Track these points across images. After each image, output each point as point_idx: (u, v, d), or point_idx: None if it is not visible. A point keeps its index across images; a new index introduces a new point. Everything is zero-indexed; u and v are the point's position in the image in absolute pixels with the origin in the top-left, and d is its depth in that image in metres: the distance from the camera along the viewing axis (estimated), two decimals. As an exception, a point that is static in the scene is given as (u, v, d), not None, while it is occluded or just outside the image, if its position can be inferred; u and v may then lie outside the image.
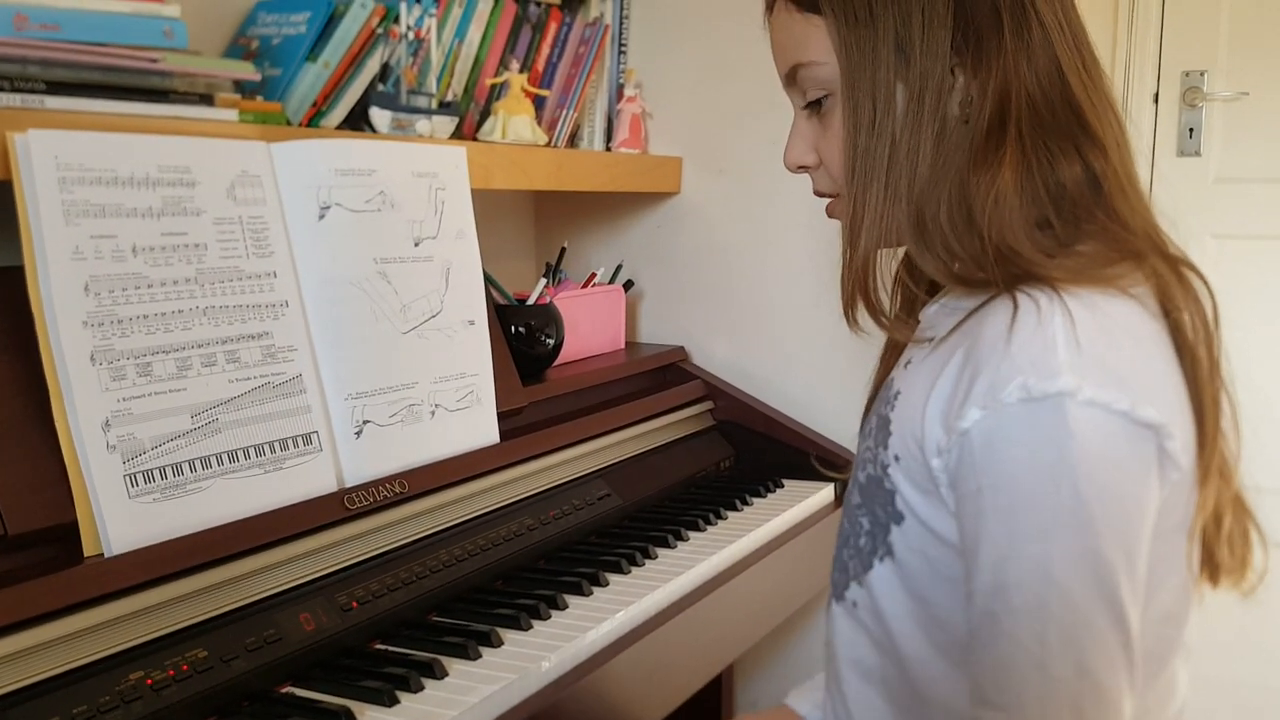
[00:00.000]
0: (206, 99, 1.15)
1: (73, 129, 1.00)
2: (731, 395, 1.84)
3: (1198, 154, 1.84)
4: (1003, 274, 0.78)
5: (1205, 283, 0.82)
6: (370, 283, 1.22)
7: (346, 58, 1.41)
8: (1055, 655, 0.71)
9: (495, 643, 1.09)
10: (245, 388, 1.09)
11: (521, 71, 1.70)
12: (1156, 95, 1.86)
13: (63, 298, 0.96)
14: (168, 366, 1.03)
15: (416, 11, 1.51)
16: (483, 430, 1.34)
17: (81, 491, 0.96)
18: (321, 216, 1.19)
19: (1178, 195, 1.85)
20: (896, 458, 0.83)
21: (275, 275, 1.14)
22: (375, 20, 1.44)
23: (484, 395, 1.34)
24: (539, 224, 2.10)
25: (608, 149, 1.92)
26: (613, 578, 1.28)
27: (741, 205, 1.90)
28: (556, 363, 1.65)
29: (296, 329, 1.15)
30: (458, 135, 1.56)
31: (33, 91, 1.01)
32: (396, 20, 1.48)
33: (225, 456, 1.06)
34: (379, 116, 1.44)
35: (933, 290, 0.91)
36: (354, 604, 1.09)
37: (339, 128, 1.43)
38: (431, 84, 1.54)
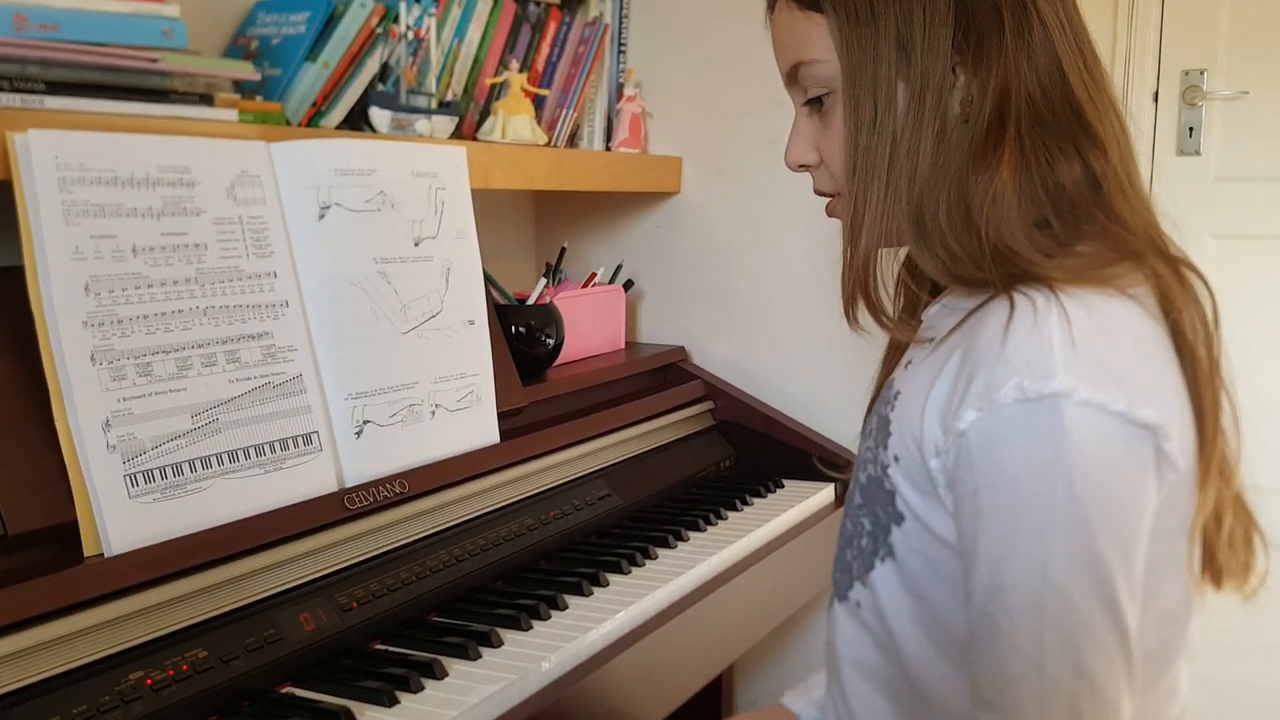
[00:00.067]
0: (206, 99, 1.15)
1: (73, 129, 0.99)
2: (731, 395, 1.84)
3: (1197, 153, 1.84)
4: (1001, 274, 0.78)
5: (1205, 283, 0.82)
6: (370, 283, 1.22)
7: (346, 57, 1.41)
8: (1053, 656, 0.71)
9: (495, 643, 1.09)
10: (245, 388, 1.09)
11: (521, 71, 1.70)
12: (1156, 94, 1.86)
13: (63, 298, 0.96)
14: (168, 366, 1.03)
15: (416, 11, 1.51)
16: (483, 430, 1.34)
17: (81, 491, 0.96)
18: (321, 216, 1.19)
19: (1177, 195, 1.84)
20: (896, 458, 0.83)
21: (275, 275, 1.14)
22: (375, 20, 1.44)
23: (484, 395, 1.34)
24: (539, 224, 2.10)
25: (607, 149, 1.92)
26: (613, 578, 1.28)
27: (741, 205, 1.90)
28: (556, 363, 1.65)
29: (296, 329, 1.15)
30: (457, 135, 1.56)
31: (32, 91, 1.01)
32: (396, 20, 1.48)
33: (225, 456, 1.06)
34: (379, 116, 1.44)
35: (935, 291, 0.91)
36: (354, 604, 1.09)
37: (339, 128, 1.43)
38: (431, 84, 1.54)
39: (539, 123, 1.71)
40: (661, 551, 1.38)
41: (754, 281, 1.90)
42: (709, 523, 1.50)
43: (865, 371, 1.00)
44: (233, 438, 1.06)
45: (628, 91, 1.90)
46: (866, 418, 0.93)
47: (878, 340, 0.95)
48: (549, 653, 1.07)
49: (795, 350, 1.87)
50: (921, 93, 0.81)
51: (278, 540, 1.07)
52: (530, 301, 1.61)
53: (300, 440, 1.13)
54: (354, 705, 0.96)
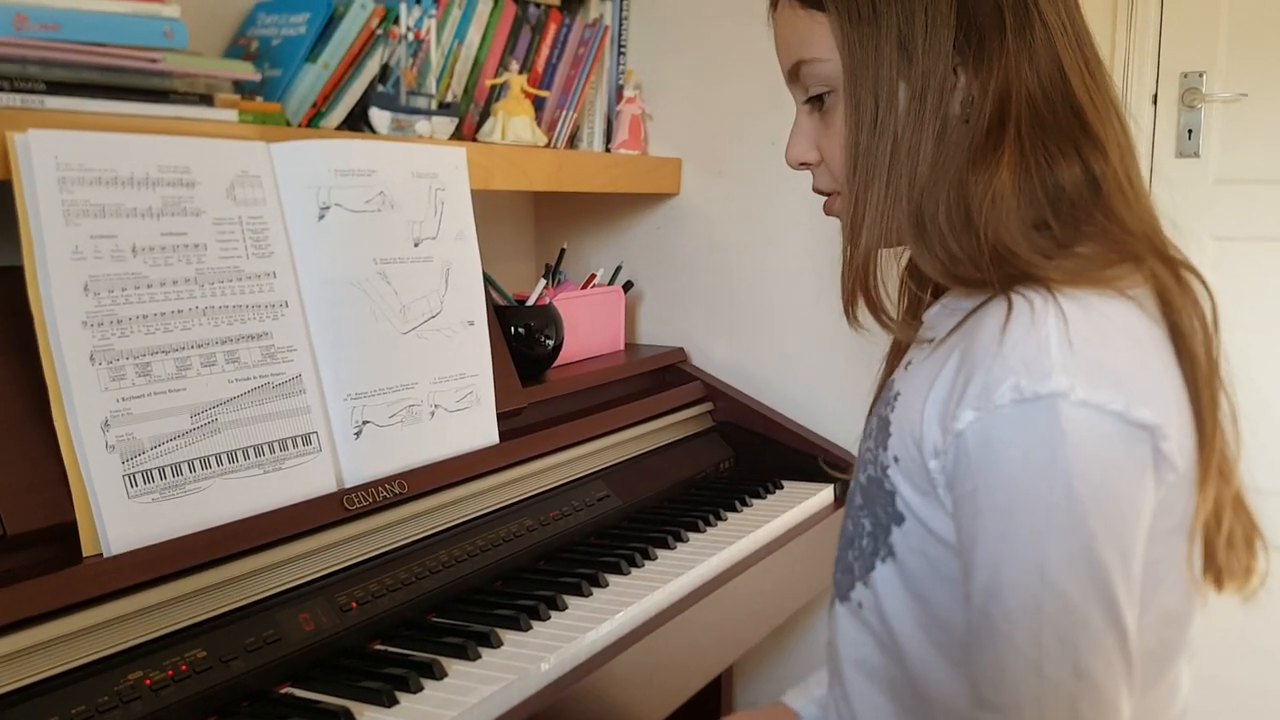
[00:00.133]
0: (206, 99, 1.15)
1: (73, 129, 0.99)
2: (731, 396, 1.83)
3: (1196, 155, 1.84)
4: (999, 274, 0.78)
5: (1205, 284, 0.82)
6: (370, 283, 1.22)
7: (346, 58, 1.41)
8: (1051, 656, 0.71)
9: (495, 643, 1.09)
10: (245, 388, 1.09)
11: (521, 72, 1.70)
12: (1155, 96, 1.86)
13: (62, 298, 0.96)
14: (167, 366, 1.03)
15: (416, 12, 1.51)
16: (482, 431, 1.34)
17: (80, 491, 0.96)
18: (321, 217, 1.19)
19: (1177, 197, 1.84)
20: (896, 459, 0.83)
21: (275, 275, 1.14)
22: (375, 21, 1.44)
23: (484, 396, 1.34)
24: (538, 225, 2.10)
25: (607, 150, 1.92)
26: (612, 579, 1.28)
27: (741, 206, 1.90)
28: (556, 364, 1.65)
29: (296, 329, 1.15)
30: (457, 136, 1.56)
31: (32, 91, 1.01)
32: (396, 21, 1.48)
33: (225, 457, 1.06)
34: (378, 117, 1.44)
35: (937, 292, 0.91)
36: (353, 604, 1.09)
37: (339, 128, 1.43)
38: (431, 85, 1.54)
39: (539, 124, 1.71)
40: (661, 552, 1.38)
41: (753, 283, 1.90)
42: (708, 524, 1.49)
43: (865, 373, 1.00)
44: (232, 438, 1.06)
45: (627, 93, 1.90)
46: (867, 418, 0.93)
47: (877, 341, 0.95)
48: (548, 653, 1.07)
49: (795, 351, 1.87)
50: (923, 92, 0.81)
51: (277, 540, 1.07)
52: (530, 302, 1.61)
53: (299, 440, 1.13)
54: (353, 705, 0.96)
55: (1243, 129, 1.82)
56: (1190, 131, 1.85)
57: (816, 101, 0.88)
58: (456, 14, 1.64)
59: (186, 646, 0.95)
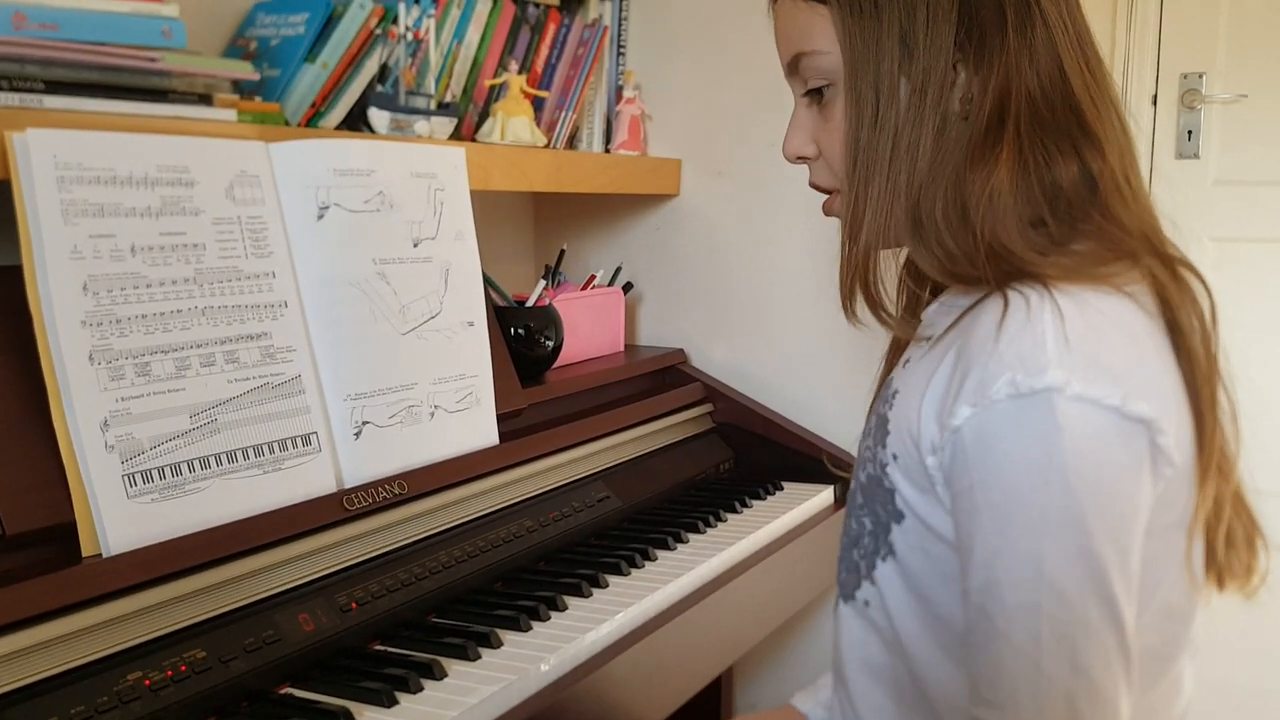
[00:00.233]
0: (205, 99, 1.15)
1: (71, 128, 0.99)
2: (731, 397, 1.83)
3: (1196, 156, 1.84)
4: (995, 271, 0.78)
5: (1203, 282, 0.82)
6: (369, 283, 1.22)
7: (345, 58, 1.41)
8: (1049, 652, 0.71)
9: (494, 644, 1.09)
10: (244, 388, 1.08)
11: (520, 73, 1.70)
12: (1155, 97, 1.86)
13: (61, 297, 0.96)
14: (166, 366, 1.02)
15: (415, 12, 1.51)
16: (482, 431, 1.33)
17: (80, 491, 0.96)
18: (320, 217, 1.19)
19: (1176, 197, 1.84)
20: (895, 456, 0.83)
21: (274, 275, 1.14)
22: (374, 21, 1.44)
23: (483, 396, 1.34)
24: (538, 226, 2.10)
25: (607, 151, 1.92)
26: (612, 579, 1.28)
27: (741, 207, 1.89)
28: (556, 365, 1.65)
29: (295, 329, 1.15)
30: (456, 136, 1.56)
31: (31, 91, 1.01)
32: (395, 21, 1.48)
33: (224, 457, 1.05)
34: (377, 117, 1.44)
35: (936, 290, 0.91)
36: (353, 605, 1.09)
37: (337, 128, 1.43)
38: (430, 85, 1.54)
39: (538, 124, 1.71)
40: (661, 553, 1.38)
41: (753, 284, 1.90)
42: (708, 525, 1.49)
43: (865, 373, 0.99)
44: (231, 438, 1.06)
45: (627, 93, 1.90)
46: (867, 417, 0.93)
47: (877, 342, 0.95)
48: (548, 654, 1.07)
49: (795, 352, 1.87)
50: (923, 88, 0.81)
51: (277, 541, 1.06)
52: (529, 303, 1.61)
53: (299, 441, 1.12)
54: (353, 706, 0.96)
55: (1242, 130, 1.82)
56: (1190, 132, 1.85)
57: (815, 95, 0.88)
58: (455, 14, 1.64)
59: (186, 647, 0.95)
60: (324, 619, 1.06)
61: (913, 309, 0.91)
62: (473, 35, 1.68)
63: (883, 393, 0.89)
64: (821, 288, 1.81)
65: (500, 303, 1.58)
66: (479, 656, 1.07)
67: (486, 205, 1.67)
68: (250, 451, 1.08)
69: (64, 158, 0.98)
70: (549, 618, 1.16)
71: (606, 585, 1.26)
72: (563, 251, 1.81)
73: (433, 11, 1.56)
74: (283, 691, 1.01)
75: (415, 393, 1.25)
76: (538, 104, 1.78)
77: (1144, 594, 0.76)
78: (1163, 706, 0.82)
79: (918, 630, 0.84)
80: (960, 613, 0.79)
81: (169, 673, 0.92)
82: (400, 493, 1.19)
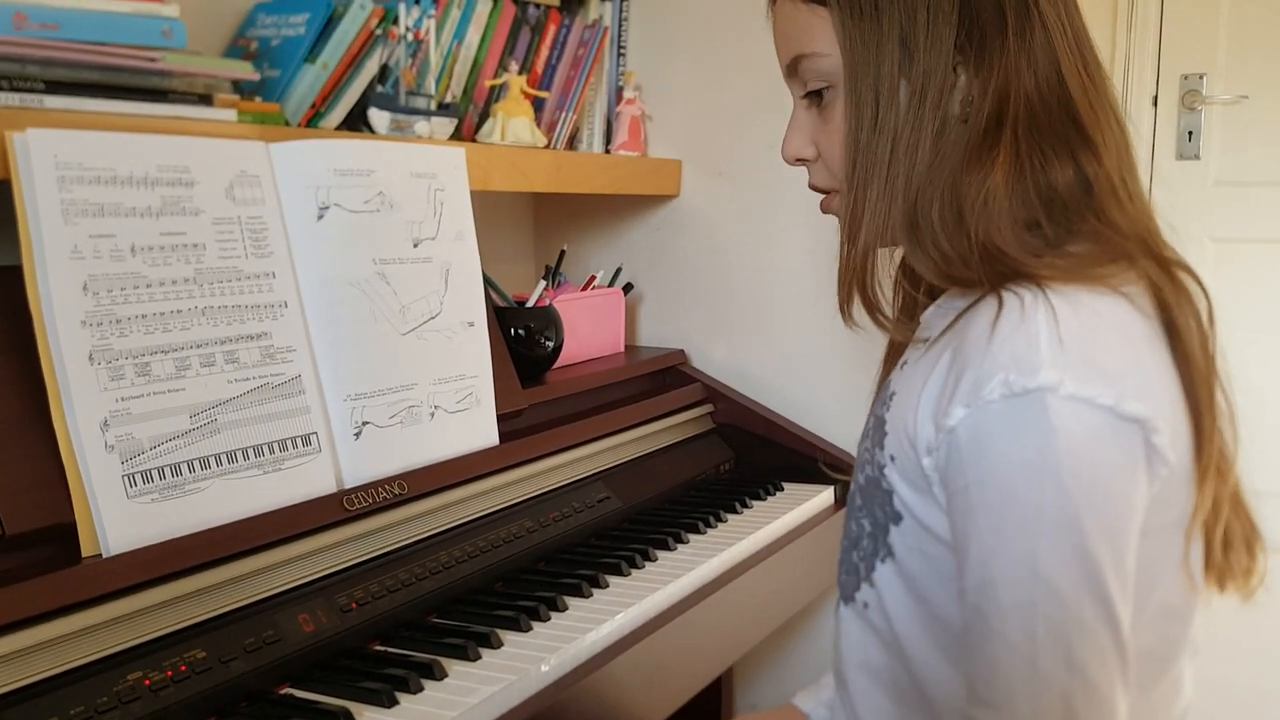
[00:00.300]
0: (205, 99, 1.15)
1: (72, 128, 0.99)
2: (731, 398, 1.83)
3: (1197, 157, 1.84)
4: (990, 273, 0.78)
5: (1199, 283, 0.82)
6: (369, 283, 1.22)
7: (345, 59, 1.41)
8: (1044, 651, 0.71)
9: (495, 644, 1.09)
10: (244, 388, 1.08)
11: (520, 73, 1.70)
12: (1155, 98, 1.86)
13: (61, 297, 0.96)
14: (166, 366, 1.02)
15: (415, 13, 1.51)
16: (482, 432, 1.33)
17: (80, 491, 0.96)
18: (320, 217, 1.19)
19: (1176, 199, 1.85)
20: (892, 458, 0.83)
21: (274, 275, 1.14)
22: (374, 21, 1.44)
23: (483, 397, 1.34)
24: (538, 226, 2.10)
25: (607, 151, 1.92)
26: (612, 580, 1.28)
27: (741, 208, 1.89)
28: (556, 365, 1.65)
29: (295, 329, 1.15)
30: (456, 137, 1.56)
31: (32, 91, 1.01)
32: (395, 21, 1.48)
33: (224, 457, 1.05)
34: (378, 118, 1.44)
35: (932, 292, 0.91)
36: (353, 605, 1.09)
37: (338, 129, 1.43)
38: (430, 85, 1.54)
39: (538, 125, 1.71)
40: (661, 554, 1.38)
41: (753, 284, 1.90)
42: (709, 525, 1.49)
43: (865, 374, 0.99)
44: (231, 438, 1.06)
45: (627, 94, 1.90)
46: (867, 419, 0.93)
47: (877, 343, 0.95)
48: (548, 654, 1.07)
49: (795, 353, 1.87)
50: (923, 91, 0.81)
51: (277, 541, 1.06)
52: (530, 304, 1.61)
53: (299, 441, 1.12)
54: (353, 706, 0.96)
55: (1243, 131, 1.82)
56: (1190, 133, 1.85)
57: (815, 97, 0.88)
58: (456, 14, 1.64)
59: (186, 647, 0.95)
60: (324, 619, 1.06)
61: (909, 312, 0.91)
62: (473, 36, 1.68)
63: (881, 394, 0.89)
64: (821, 288, 1.80)
65: (500, 303, 1.58)
66: (479, 657, 1.07)
67: (487, 206, 1.67)
68: (250, 451, 1.08)
69: (64, 158, 0.98)
70: (549, 618, 1.16)
71: (607, 586, 1.26)
72: (563, 252, 1.81)
73: (433, 12, 1.56)
74: (283, 692, 1.01)
75: (415, 393, 1.25)
76: (538, 104, 1.78)
77: (1142, 594, 0.76)
78: (1162, 707, 0.82)
79: (916, 632, 0.84)
80: (958, 613, 0.79)
81: (169, 673, 0.92)
82: (400, 493, 1.19)
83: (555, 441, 1.45)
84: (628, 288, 1.91)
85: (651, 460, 1.64)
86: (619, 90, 1.92)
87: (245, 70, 1.21)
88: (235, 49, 1.44)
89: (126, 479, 0.98)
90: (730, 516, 1.55)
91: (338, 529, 1.12)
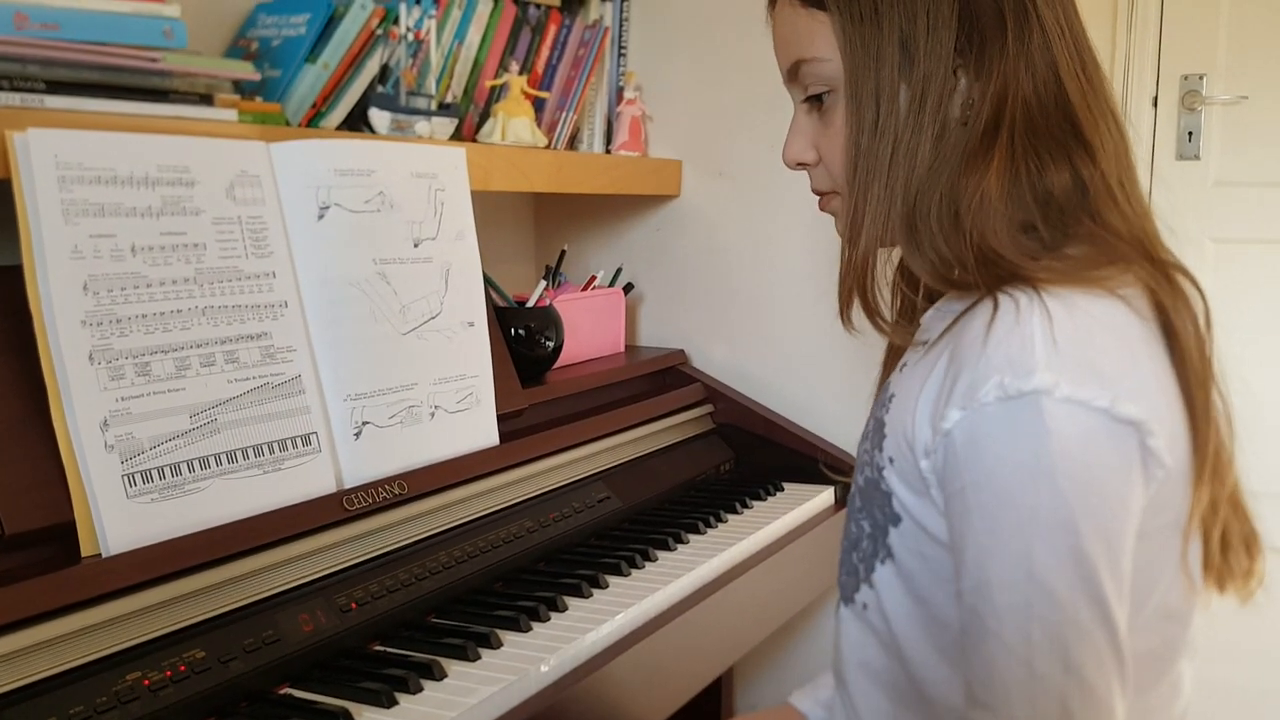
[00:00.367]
0: (206, 99, 1.15)
1: (72, 128, 0.99)
2: (731, 398, 1.83)
3: (1197, 158, 1.84)
4: (986, 276, 0.78)
5: (1196, 285, 0.82)
6: (369, 283, 1.22)
7: (346, 59, 1.41)
8: (1041, 653, 0.71)
9: (494, 644, 1.09)
10: (244, 388, 1.08)
11: (521, 73, 1.70)
12: (1155, 99, 1.86)
13: (61, 297, 0.96)
14: (166, 366, 1.03)
15: (416, 13, 1.51)
16: (483, 432, 1.33)
17: (79, 491, 0.96)
18: (321, 217, 1.19)
19: (1176, 199, 1.85)
20: (891, 460, 0.83)
21: (274, 275, 1.14)
22: (375, 22, 1.44)
23: (484, 397, 1.34)
24: (538, 226, 2.10)
25: (607, 151, 1.92)
26: (612, 580, 1.28)
27: (741, 208, 1.90)
28: (556, 365, 1.65)
29: (295, 329, 1.15)
30: (457, 137, 1.56)
31: (32, 91, 1.01)
32: (396, 22, 1.48)
33: (224, 457, 1.05)
34: (378, 118, 1.44)
35: (930, 295, 0.91)
36: (353, 605, 1.09)
37: (338, 129, 1.43)
38: (431, 85, 1.54)
39: (539, 125, 1.71)
40: (661, 554, 1.38)
41: (754, 285, 1.90)
42: (709, 525, 1.49)
43: (866, 375, 1.00)
44: (231, 438, 1.06)
45: (628, 94, 1.90)
46: (866, 421, 0.93)
47: (877, 343, 0.95)
48: (548, 654, 1.07)
49: (795, 353, 1.87)
50: (923, 94, 0.81)
51: (276, 541, 1.06)
52: (530, 304, 1.61)
53: (299, 441, 1.12)
54: (352, 706, 0.96)
55: (1243, 131, 1.82)
56: (1190, 134, 1.85)
57: (815, 101, 0.88)
58: (456, 14, 1.64)
59: (185, 647, 0.95)
60: (324, 619, 1.06)
61: (908, 315, 0.91)
62: (474, 36, 1.68)
63: (880, 397, 0.89)
64: (822, 288, 1.80)
65: (501, 303, 1.58)
66: (479, 657, 1.07)
67: (487, 206, 1.67)
68: (250, 451, 1.08)
69: (65, 157, 0.98)
70: (549, 618, 1.16)
71: (607, 586, 1.27)
72: (563, 252, 1.81)
73: (434, 12, 1.56)
74: (282, 692, 1.01)
75: (415, 393, 1.25)
76: (538, 105, 1.78)
77: (1140, 595, 0.76)
78: (1161, 708, 0.82)
79: (915, 633, 0.84)
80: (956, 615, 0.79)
81: (168, 673, 0.92)
82: (400, 493, 1.19)
83: (555, 441, 1.45)
84: (628, 288, 1.91)
85: (651, 460, 1.64)
86: (619, 90, 1.92)
87: (246, 70, 1.21)
88: (236, 49, 1.44)
89: (126, 479, 0.98)
90: (730, 517, 1.55)
91: (337, 529, 1.12)
